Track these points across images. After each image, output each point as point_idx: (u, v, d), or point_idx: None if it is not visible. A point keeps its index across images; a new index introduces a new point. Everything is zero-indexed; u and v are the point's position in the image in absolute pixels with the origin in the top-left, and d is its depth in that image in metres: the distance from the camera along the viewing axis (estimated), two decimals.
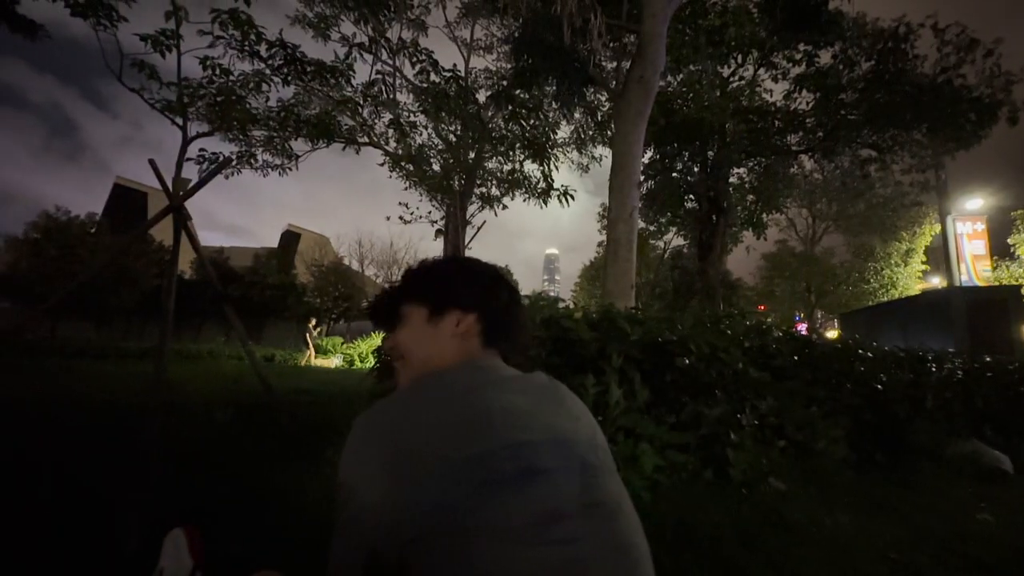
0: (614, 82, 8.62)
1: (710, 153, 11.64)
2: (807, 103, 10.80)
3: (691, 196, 12.50)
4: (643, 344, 2.85)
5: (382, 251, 26.45)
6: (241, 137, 8.74)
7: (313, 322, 16.58)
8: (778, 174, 11.96)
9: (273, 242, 28.46)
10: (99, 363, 10.09)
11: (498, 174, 11.05)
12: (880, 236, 24.42)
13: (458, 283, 0.87)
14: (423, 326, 0.83)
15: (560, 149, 12.25)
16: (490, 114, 10.83)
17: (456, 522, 0.58)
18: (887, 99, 9.41)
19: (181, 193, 3.70)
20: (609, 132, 11.20)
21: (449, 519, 0.58)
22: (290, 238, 29.06)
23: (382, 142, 10.63)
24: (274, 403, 3.19)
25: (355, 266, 26.41)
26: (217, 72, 5.86)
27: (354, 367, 14.49)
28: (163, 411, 2.23)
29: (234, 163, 9.29)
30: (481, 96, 11.53)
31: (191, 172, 9.07)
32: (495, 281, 0.90)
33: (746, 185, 12.57)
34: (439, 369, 0.79)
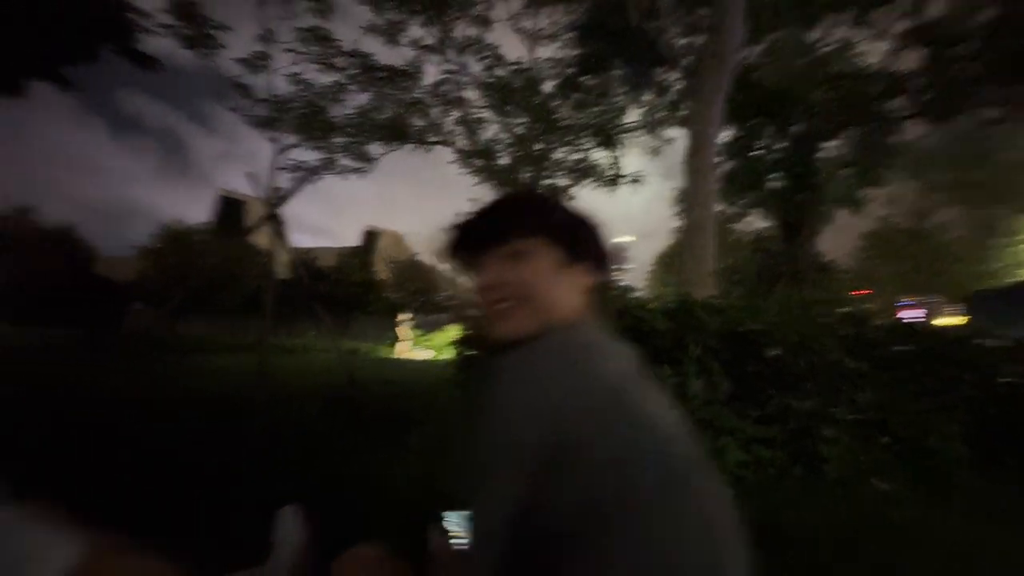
0: (687, 59, 8.19)
1: (797, 127, 10.74)
2: (914, 62, 9.60)
3: (775, 174, 11.62)
4: (723, 334, 2.72)
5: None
6: (323, 144, 9.39)
7: (408, 316, 17.29)
8: (877, 144, 10.77)
9: (354, 241, 30.26)
10: (212, 357, 11.35)
11: (566, 163, 10.95)
12: (1009, 207, 21.22)
13: (596, 236, 0.79)
14: (554, 270, 0.73)
15: (629, 134, 11.89)
16: (556, 103, 10.73)
17: (609, 497, 0.57)
18: (1018, 46, 8.12)
19: (275, 201, 4.07)
20: (683, 112, 10.68)
21: (601, 494, 0.56)
22: (370, 237, 30.71)
23: (451, 140, 10.91)
24: (360, 394, 3.44)
25: (429, 261, 27.47)
26: (302, 87, 6.37)
27: (426, 359, 15.09)
28: (268, 404, 2.49)
29: (319, 171, 9.98)
30: (547, 86, 11.47)
31: (282, 180, 9.84)
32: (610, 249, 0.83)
33: (840, 158, 11.46)
34: (569, 323, 0.71)
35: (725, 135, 11.34)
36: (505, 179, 10.70)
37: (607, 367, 0.65)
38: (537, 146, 10.65)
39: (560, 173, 11.20)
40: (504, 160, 10.83)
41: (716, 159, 5.45)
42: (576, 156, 10.67)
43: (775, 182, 11.74)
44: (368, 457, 2.69)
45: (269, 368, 2.69)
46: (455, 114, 10.37)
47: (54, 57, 6.16)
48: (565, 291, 0.73)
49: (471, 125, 10.07)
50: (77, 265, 20.68)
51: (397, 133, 9.55)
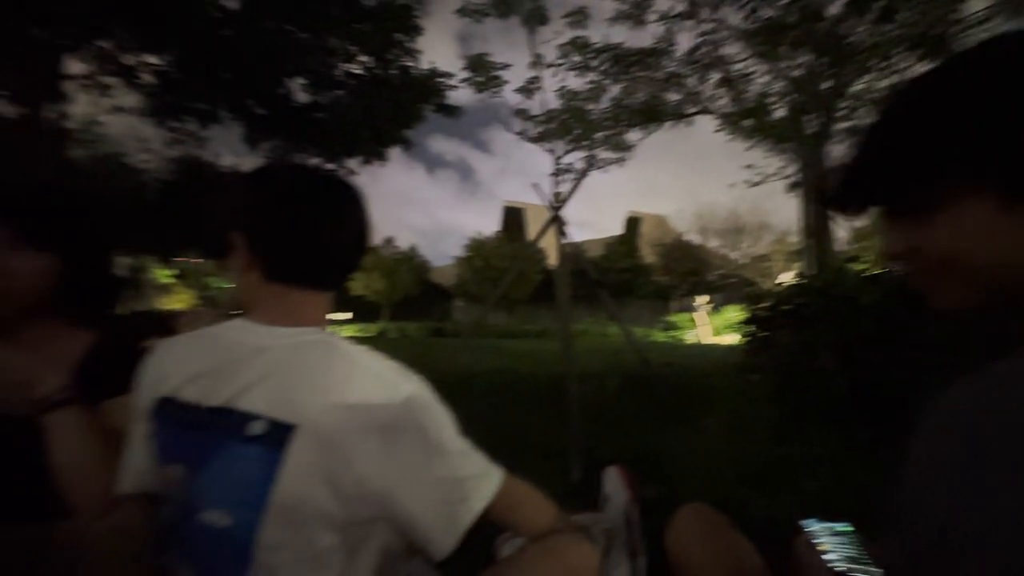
0: None
1: None
2: None
3: None
4: None
5: (724, 220, 24.91)
6: (586, 143, 10.00)
7: (706, 299, 16.73)
8: None
9: (616, 229, 31.11)
10: (514, 342, 13.60)
11: (871, 94, 8.70)
12: None
13: None
14: (989, 216, 0.45)
15: (973, 30, 8.58)
16: (850, 24, 8.61)
17: None
18: None
19: (557, 205, 4.60)
20: None
21: None
22: (632, 223, 31.03)
23: (712, 106, 10.06)
24: (652, 374, 3.59)
25: (697, 239, 25.95)
26: (569, 98, 7.05)
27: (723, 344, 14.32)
28: (574, 380, 2.87)
29: (586, 169, 10.68)
30: (833, 7, 9.32)
31: (560, 184, 10.93)
32: None
33: None
34: None
35: None
36: (783, 134, 9.22)
37: None
38: (825, 84, 8.79)
39: (862, 109, 8.98)
40: (780, 112, 9.35)
41: None
42: (886, 82, 8.35)
43: None
44: (666, 433, 2.83)
45: (572, 350, 3.10)
46: (714, 77, 9.51)
47: (402, 126, 8.62)
48: (1013, 242, 0.45)
49: (735, 83, 9.05)
50: (419, 276, 27.72)
51: (653, 114, 9.39)
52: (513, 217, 31.48)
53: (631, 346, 3.38)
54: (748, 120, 9.14)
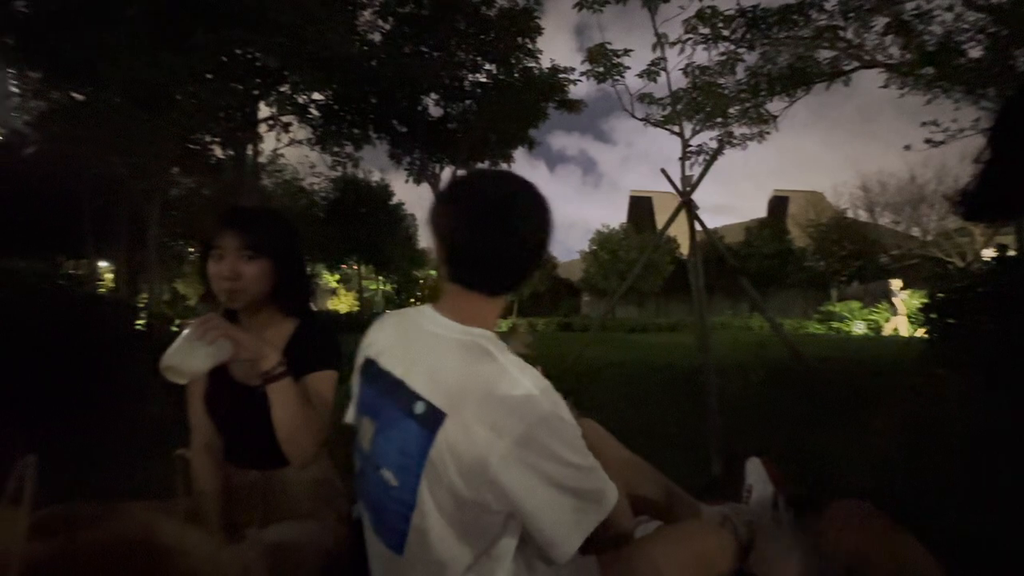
0: None
1: None
2: None
3: None
4: None
5: (898, 191, 20.86)
6: (718, 120, 9.21)
7: (899, 284, 14.31)
8: None
9: (759, 212, 28.09)
10: (644, 335, 13.17)
11: None
12: None
13: None
14: None
15: None
16: None
17: None
18: None
19: (688, 190, 4.36)
20: None
21: None
22: (778, 203, 27.66)
23: (879, 59, 8.55)
24: (804, 368, 3.23)
25: (863, 216, 22.20)
26: (697, 74, 6.62)
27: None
28: (713, 372, 2.73)
29: (720, 149, 9.86)
30: None
31: (676, 169, 10.31)
32: None
33: None
34: None
35: None
36: (978, 79, 7.46)
37: None
38: None
39: None
40: (976, 52, 7.58)
41: None
42: None
43: None
44: (820, 431, 2.54)
45: (709, 341, 2.95)
46: (880, 22, 8.05)
47: (527, 127, 8.95)
48: None
49: (909, 25, 7.56)
50: (547, 272, 28.23)
51: (800, 77, 8.31)
52: (640, 206, 30.36)
53: (779, 338, 3.08)
54: (927, 68, 7.59)
